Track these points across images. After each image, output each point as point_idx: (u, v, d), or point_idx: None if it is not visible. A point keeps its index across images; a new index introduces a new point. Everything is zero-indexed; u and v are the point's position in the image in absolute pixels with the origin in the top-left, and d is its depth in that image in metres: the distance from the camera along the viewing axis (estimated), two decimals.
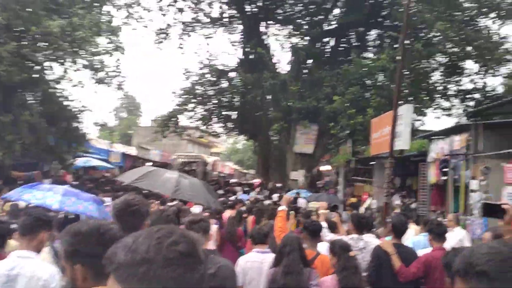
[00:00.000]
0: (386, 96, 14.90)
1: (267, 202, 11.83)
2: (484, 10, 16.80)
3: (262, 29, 23.55)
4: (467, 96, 19.32)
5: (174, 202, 8.14)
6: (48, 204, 4.66)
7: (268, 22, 23.83)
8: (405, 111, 10.15)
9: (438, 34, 15.93)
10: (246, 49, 22.97)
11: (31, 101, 12.38)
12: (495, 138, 7.81)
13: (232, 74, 23.97)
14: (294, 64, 21.19)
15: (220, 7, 23.56)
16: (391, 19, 19.54)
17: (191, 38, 29.70)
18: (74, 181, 14.57)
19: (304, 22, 22.43)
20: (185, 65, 78.34)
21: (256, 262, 3.80)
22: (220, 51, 27.24)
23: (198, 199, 6.97)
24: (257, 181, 23.74)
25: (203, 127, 25.72)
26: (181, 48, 24.29)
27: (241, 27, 24.36)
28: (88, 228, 1.66)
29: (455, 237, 6.37)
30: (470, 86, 19.22)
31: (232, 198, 11.97)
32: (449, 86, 19.58)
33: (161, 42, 23.43)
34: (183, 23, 23.77)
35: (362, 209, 12.67)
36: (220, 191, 15.22)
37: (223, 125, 25.82)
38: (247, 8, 22.75)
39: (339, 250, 3.39)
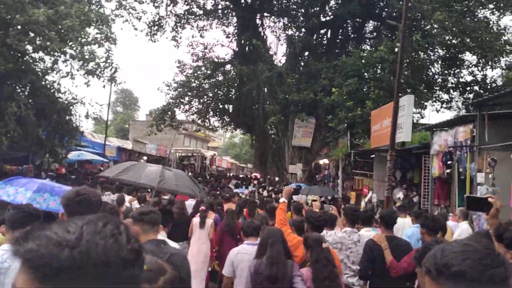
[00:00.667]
0: (385, 88, 14.63)
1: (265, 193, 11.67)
2: (482, 0, 16.54)
3: (257, 21, 23.18)
4: (467, 88, 19.12)
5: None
6: (18, 201, 4.53)
7: (263, 14, 23.45)
8: (406, 102, 9.85)
9: (436, 25, 15.65)
10: (241, 41, 22.63)
11: (19, 93, 11.92)
12: (500, 129, 7.55)
13: (227, 67, 23.64)
14: (291, 56, 20.82)
15: None
16: (388, 9, 19.25)
17: (185, 30, 29.31)
18: (70, 175, 14.20)
19: (300, 14, 22.06)
20: (181, 58, 77.93)
21: (246, 254, 3.88)
22: (215, 43, 26.67)
23: (184, 189, 6.97)
24: (255, 175, 23.53)
25: (200, 121, 25.45)
26: (175, 40, 23.89)
27: (235, 19, 23.98)
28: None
29: (457, 232, 6.15)
30: (469, 78, 19.03)
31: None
32: (448, 78, 19.36)
33: (154, 34, 22.99)
34: (177, 15, 23.34)
35: (362, 203, 12.44)
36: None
37: (220, 118, 25.55)
38: None
39: (313, 243, 3.47)
